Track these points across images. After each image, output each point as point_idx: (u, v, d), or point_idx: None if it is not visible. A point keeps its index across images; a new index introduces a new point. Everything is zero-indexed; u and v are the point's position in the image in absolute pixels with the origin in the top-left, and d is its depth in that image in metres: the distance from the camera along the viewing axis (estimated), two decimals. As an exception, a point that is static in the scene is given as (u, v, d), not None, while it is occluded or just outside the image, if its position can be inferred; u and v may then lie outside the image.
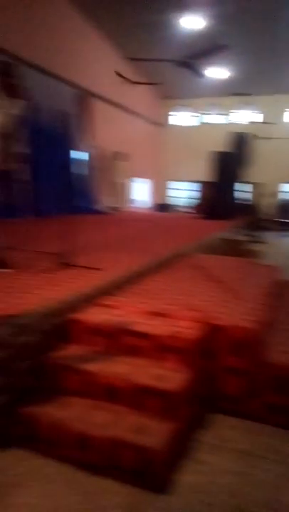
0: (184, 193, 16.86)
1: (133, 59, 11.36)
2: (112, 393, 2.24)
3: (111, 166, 12.27)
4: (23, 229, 4.45)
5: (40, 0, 8.43)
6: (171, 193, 17.40)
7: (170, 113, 17.02)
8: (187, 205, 15.50)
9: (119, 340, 2.56)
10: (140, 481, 1.95)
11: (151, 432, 2.01)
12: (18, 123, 3.35)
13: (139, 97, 14.05)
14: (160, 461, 1.93)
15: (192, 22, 9.71)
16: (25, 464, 2.09)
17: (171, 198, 17.09)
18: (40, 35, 8.46)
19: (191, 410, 2.34)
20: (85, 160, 10.71)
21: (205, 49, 9.06)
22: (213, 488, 1.98)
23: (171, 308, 2.90)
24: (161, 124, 16.64)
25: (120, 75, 11.26)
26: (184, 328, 2.57)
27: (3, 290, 2.90)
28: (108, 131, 11.74)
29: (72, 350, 2.57)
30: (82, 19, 9.91)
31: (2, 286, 3.01)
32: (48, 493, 1.89)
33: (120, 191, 13.03)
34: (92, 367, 2.36)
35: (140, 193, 15.44)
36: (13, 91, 3.28)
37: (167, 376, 2.27)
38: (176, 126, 17.02)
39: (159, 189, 16.88)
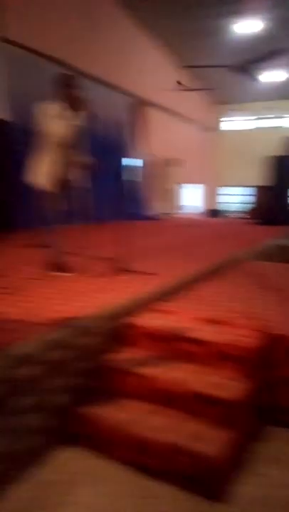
0: (236, 198, 16.56)
1: (188, 66, 11.40)
2: (169, 399, 2.25)
3: (163, 172, 12.35)
4: (81, 235, 4.61)
5: (96, 11, 8.70)
6: (223, 198, 17.17)
7: (224, 118, 16.84)
8: (240, 210, 15.20)
9: (176, 346, 2.57)
10: (197, 488, 1.94)
11: (209, 440, 2.00)
12: (79, 133, 3.48)
13: (192, 103, 14.05)
14: (217, 469, 1.91)
15: (248, 26, 9.58)
16: (83, 462, 2.14)
17: (224, 204, 16.86)
18: (96, 45, 8.73)
19: (249, 421, 2.29)
20: (137, 167, 10.88)
21: (264, 54, 8.90)
22: (272, 502, 1.92)
23: (227, 315, 2.86)
24: (215, 129, 16.50)
25: (179, 83, 11.36)
26: (241, 336, 2.52)
27: (63, 293, 3.02)
28: (160, 138, 11.83)
29: (130, 354, 2.61)
30: (137, 28, 10.10)
31: (63, 289, 3.14)
32: (105, 494, 1.93)
33: (172, 197, 13.07)
34: (149, 371, 2.38)
35: (192, 198, 15.39)
36: (75, 102, 3.40)
37: (225, 384, 2.24)
38: (229, 131, 16.81)
39: (211, 195, 16.73)
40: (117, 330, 2.69)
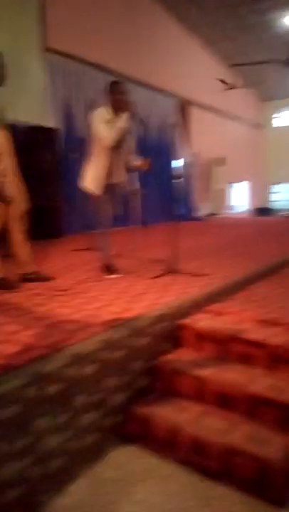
0: (286, 195, 16.03)
1: (236, 65, 11.23)
2: (225, 401, 2.22)
3: (209, 172, 12.22)
4: (130, 237, 4.68)
5: (138, 15, 8.78)
6: (272, 196, 16.68)
7: (273, 114, 16.38)
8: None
9: (230, 348, 2.53)
10: (257, 491, 1.89)
11: (270, 444, 1.94)
12: (127, 136, 3.53)
13: (238, 101, 13.79)
14: (280, 473, 1.85)
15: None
16: (141, 461, 2.16)
17: (273, 202, 16.37)
18: (140, 49, 8.81)
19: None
20: (185, 168, 10.84)
21: None
22: None
23: (282, 316, 2.78)
24: (263, 126, 16.09)
25: (224, 82, 11.28)
26: (299, 337, 2.44)
27: (115, 295, 3.08)
28: (207, 137, 11.72)
29: (183, 355, 2.60)
30: (181, 29, 10.09)
31: (114, 291, 3.19)
32: (165, 493, 1.93)
33: (219, 197, 12.88)
34: (203, 372, 2.36)
35: (239, 197, 15.08)
36: (121, 107, 3.46)
37: (283, 387, 2.17)
38: (280, 127, 16.31)
39: (260, 193, 16.30)
40: (171, 331, 2.69)
